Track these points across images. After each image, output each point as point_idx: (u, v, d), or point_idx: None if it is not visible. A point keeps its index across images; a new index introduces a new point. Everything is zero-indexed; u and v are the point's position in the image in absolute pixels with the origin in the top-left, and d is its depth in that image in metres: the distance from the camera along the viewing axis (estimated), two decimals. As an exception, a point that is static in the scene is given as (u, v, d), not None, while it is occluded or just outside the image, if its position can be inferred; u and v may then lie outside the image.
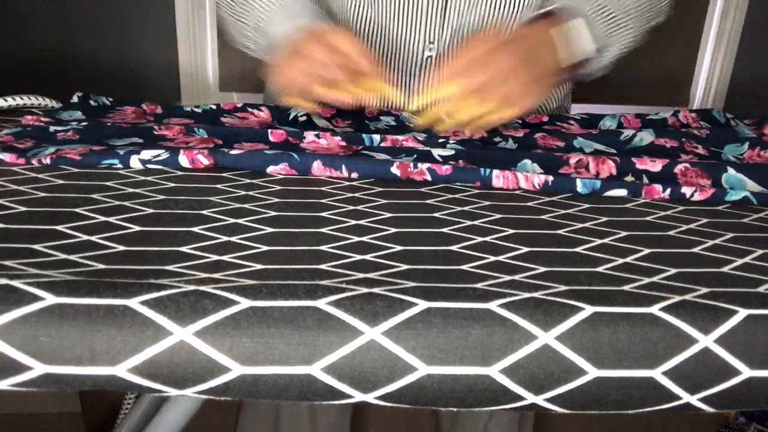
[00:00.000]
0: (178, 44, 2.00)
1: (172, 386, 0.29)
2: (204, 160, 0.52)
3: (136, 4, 1.51)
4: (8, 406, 1.28)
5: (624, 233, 0.43)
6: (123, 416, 1.02)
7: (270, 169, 0.52)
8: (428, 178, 0.51)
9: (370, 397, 0.30)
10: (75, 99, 0.71)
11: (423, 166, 0.51)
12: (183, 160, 0.52)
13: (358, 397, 0.30)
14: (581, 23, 0.63)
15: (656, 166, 0.55)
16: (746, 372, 0.31)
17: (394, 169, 0.51)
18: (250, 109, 0.70)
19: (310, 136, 0.60)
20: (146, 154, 0.52)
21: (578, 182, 0.50)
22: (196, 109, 0.71)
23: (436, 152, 0.57)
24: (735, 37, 2.12)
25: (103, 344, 0.28)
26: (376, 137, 0.60)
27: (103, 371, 0.29)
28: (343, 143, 0.60)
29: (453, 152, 0.57)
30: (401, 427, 1.39)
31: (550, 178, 0.51)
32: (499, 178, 0.51)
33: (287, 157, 0.52)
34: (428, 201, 0.48)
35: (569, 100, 0.88)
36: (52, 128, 0.60)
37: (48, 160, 0.50)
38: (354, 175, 0.52)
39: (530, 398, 0.31)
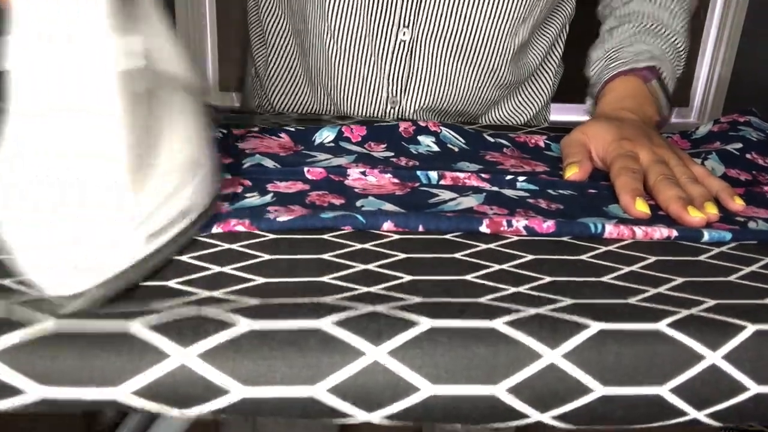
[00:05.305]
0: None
1: (174, 406, 0.29)
2: (243, 231, 0.42)
3: None
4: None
5: (629, 241, 0.43)
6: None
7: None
8: (525, 235, 0.44)
9: (376, 417, 0.30)
10: None
11: (518, 224, 0.43)
12: (217, 230, 0.41)
13: (362, 416, 0.30)
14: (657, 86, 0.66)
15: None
16: (754, 388, 0.31)
17: (484, 228, 0.43)
18: (268, 135, 0.61)
19: (354, 173, 0.51)
20: None
21: (705, 234, 0.45)
22: None
23: (508, 193, 0.50)
24: (735, 37, 2.11)
25: (103, 367, 0.28)
26: (433, 174, 0.52)
27: (104, 395, 0.28)
28: (396, 180, 0.51)
29: (527, 193, 0.50)
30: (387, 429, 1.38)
31: (674, 232, 0.44)
32: (612, 234, 0.44)
33: (350, 219, 0.42)
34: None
35: (548, 108, 0.87)
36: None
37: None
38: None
39: (535, 416, 0.31)
